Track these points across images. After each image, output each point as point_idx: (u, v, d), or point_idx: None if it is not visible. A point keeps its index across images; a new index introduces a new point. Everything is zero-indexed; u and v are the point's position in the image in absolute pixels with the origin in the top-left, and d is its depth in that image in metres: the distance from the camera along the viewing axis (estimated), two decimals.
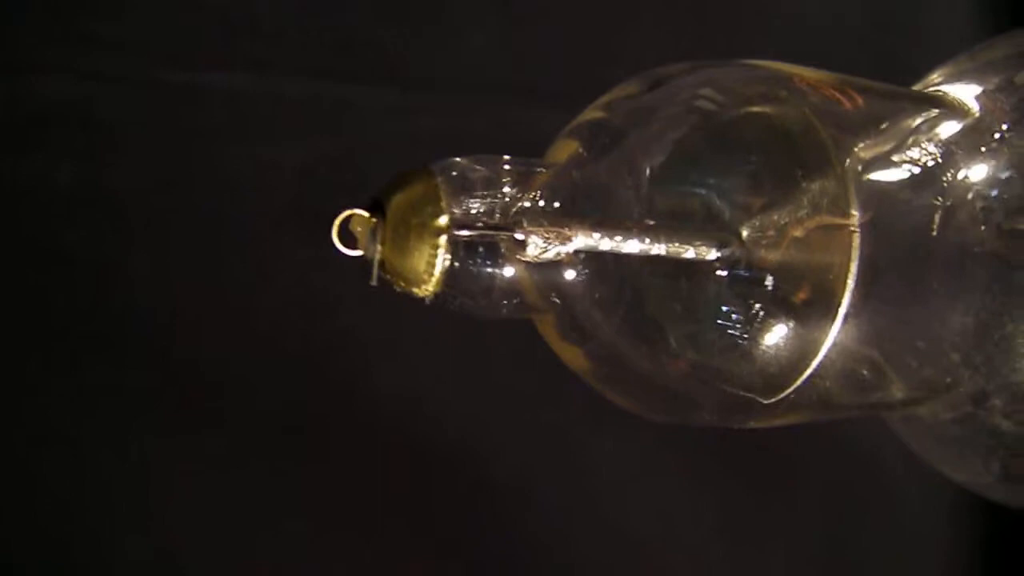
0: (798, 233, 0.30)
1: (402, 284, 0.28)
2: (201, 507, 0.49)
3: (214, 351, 0.48)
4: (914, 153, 0.33)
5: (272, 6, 0.49)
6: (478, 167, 0.28)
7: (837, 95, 0.31)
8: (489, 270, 0.28)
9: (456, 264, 0.28)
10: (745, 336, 0.30)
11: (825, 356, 0.30)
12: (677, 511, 0.52)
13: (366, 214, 0.27)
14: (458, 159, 0.28)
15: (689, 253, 0.30)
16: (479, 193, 0.28)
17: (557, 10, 0.50)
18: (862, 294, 0.30)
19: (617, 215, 0.29)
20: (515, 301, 0.29)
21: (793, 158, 0.30)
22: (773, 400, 0.30)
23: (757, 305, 0.30)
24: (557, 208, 0.29)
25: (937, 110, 0.35)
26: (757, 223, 0.30)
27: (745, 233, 0.30)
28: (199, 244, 0.48)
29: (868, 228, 0.30)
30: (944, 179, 0.33)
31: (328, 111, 0.49)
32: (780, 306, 0.30)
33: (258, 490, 0.49)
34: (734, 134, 0.30)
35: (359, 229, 0.27)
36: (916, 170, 0.33)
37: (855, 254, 0.29)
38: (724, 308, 0.30)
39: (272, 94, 0.48)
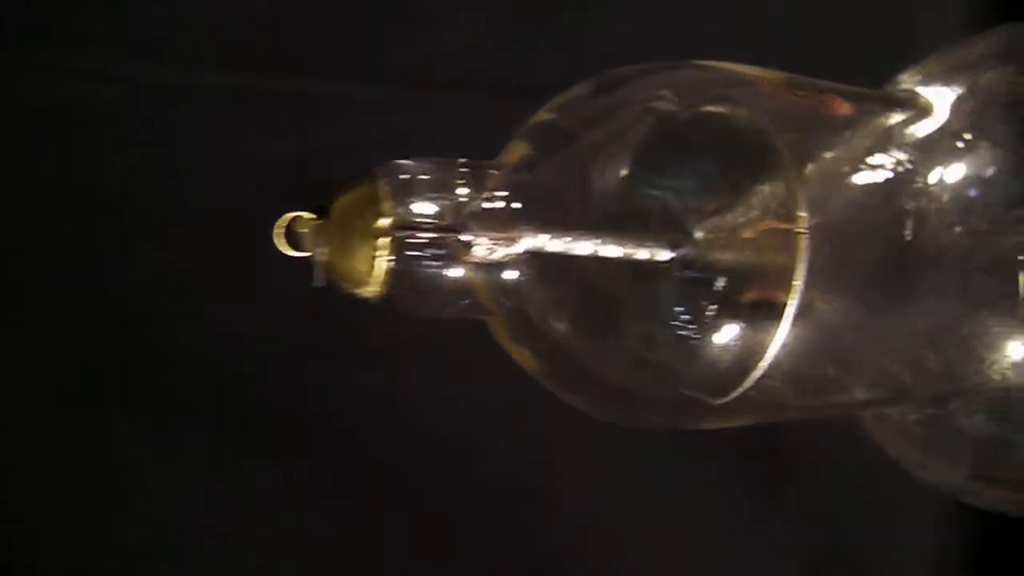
0: (748, 235, 0.30)
1: (347, 285, 0.28)
2: (199, 507, 0.49)
3: (210, 346, 0.49)
4: (871, 156, 0.33)
5: (261, 4, 0.50)
6: (425, 169, 0.29)
7: (794, 96, 0.31)
8: (437, 271, 0.29)
9: (401, 265, 0.28)
10: (695, 336, 0.30)
11: (775, 358, 0.31)
12: (673, 510, 0.52)
13: (311, 216, 0.28)
14: (405, 161, 0.29)
15: (641, 254, 0.30)
16: (426, 195, 0.29)
17: (540, 5, 0.50)
18: (812, 297, 0.30)
19: (567, 216, 0.30)
20: (465, 302, 0.30)
21: (743, 160, 0.30)
22: (724, 400, 0.31)
23: (707, 306, 0.30)
24: (505, 210, 0.29)
25: (901, 113, 0.35)
26: (708, 224, 0.31)
27: (697, 234, 0.30)
28: (194, 240, 0.49)
29: (819, 231, 0.30)
30: (903, 183, 0.33)
31: (317, 108, 0.49)
32: (729, 307, 0.30)
33: (254, 490, 0.50)
34: (686, 136, 0.31)
35: (304, 231, 0.28)
36: (872, 173, 0.33)
37: (802, 257, 0.29)
38: (675, 308, 0.31)
39: (261, 92, 0.49)
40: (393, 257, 0.28)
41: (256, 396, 0.50)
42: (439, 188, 0.29)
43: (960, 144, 0.34)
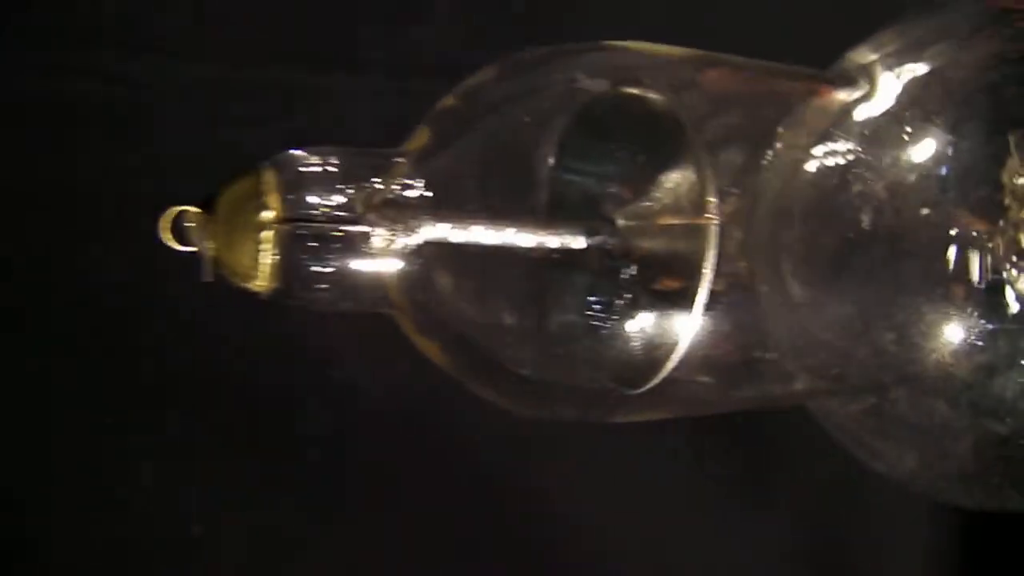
0: (660, 222, 0.30)
1: (235, 280, 0.28)
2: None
3: (190, 340, 0.49)
4: (806, 137, 0.32)
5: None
6: (316, 160, 0.28)
7: (713, 76, 0.31)
8: (331, 265, 0.28)
9: (287, 259, 0.28)
10: (607, 326, 0.30)
11: (691, 347, 0.30)
12: (661, 506, 0.51)
13: (196, 210, 0.27)
14: (296, 152, 0.28)
15: (551, 242, 0.30)
16: (320, 186, 0.28)
17: None
18: (729, 286, 0.30)
19: (469, 204, 0.29)
20: (368, 295, 0.29)
21: (654, 145, 0.30)
22: (640, 391, 0.30)
23: (620, 294, 0.30)
24: (405, 199, 0.29)
25: (845, 93, 0.34)
26: (620, 212, 0.30)
27: (609, 222, 0.30)
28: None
29: (736, 218, 0.30)
30: (839, 165, 0.32)
31: (293, 97, 0.49)
32: (643, 296, 0.30)
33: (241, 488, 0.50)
34: (595, 120, 0.30)
35: (191, 225, 0.27)
36: (809, 155, 0.32)
37: (712, 244, 0.29)
38: (587, 297, 0.30)
39: (235, 82, 0.49)
40: (277, 251, 0.27)
41: (241, 392, 0.50)
42: (336, 178, 0.28)
43: (898, 126, 0.33)
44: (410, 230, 0.29)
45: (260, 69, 0.49)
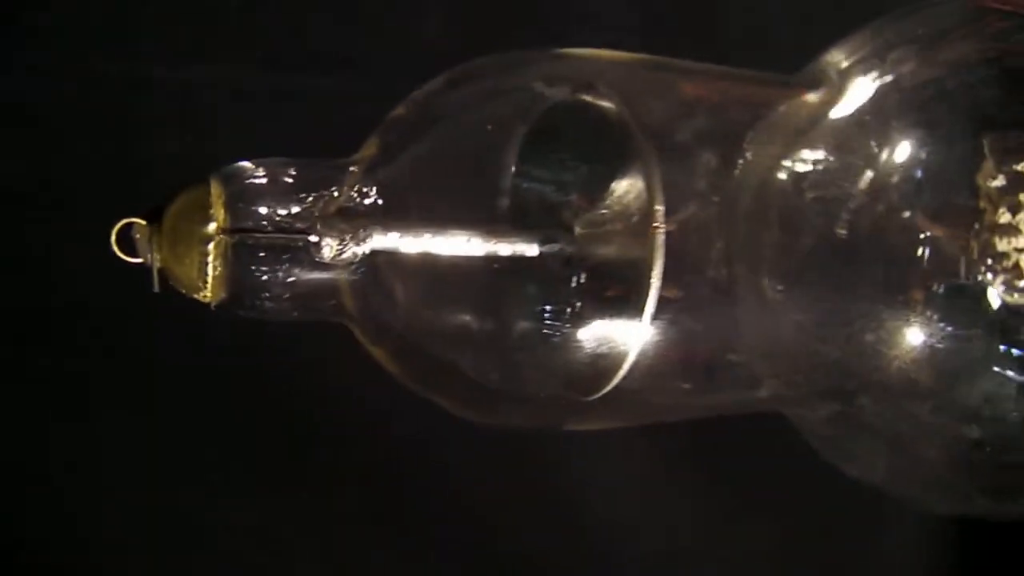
0: (610, 230, 0.30)
1: (183, 291, 0.29)
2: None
3: (167, 345, 0.50)
4: (763, 142, 0.33)
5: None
6: (264, 171, 0.29)
7: (664, 81, 0.31)
8: (279, 275, 0.29)
9: (234, 270, 0.28)
10: (561, 333, 0.30)
11: (645, 355, 0.30)
12: (650, 506, 0.52)
13: (143, 222, 0.28)
14: (245, 163, 0.29)
15: (505, 250, 0.30)
16: (269, 197, 0.29)
17: None
18: (686, 292, 0.30)
19: (417, 212, 0.30)
20: (319, 305, 0.30)
21: (604, 153, 0.30)
22: (593, 398, 0.30)
23: (574, 302, 0.30)
24: (355, 208, 0.30)
25: (812, 96, 0.34)
26: (572, 219, 0.30)
27: (561, 230, 0.30)
28: None
29: (686, 225, 0.30)
30: (798, 171, 0.33)
31: (276, 101, 0.50)
32: (595, 303, 0.30)
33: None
34: (548, 129, 0.31)
35: (138, 236, 0.28)
36: (766, 161, 0.32)
37: (659, 253, 0.29)
38: (541, 304, 0.30)
39: (215, 84, 0.49)
40: (221, 262, 0.28)
41: (241, 392, 0.50)
42: (286, 188, 0.29)
43: (871, 130, 0.33)
44: (359, 239, 0.29)
45: (248, 71, 0.50)
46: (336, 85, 0.50)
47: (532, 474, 0.50)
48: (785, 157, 0.33)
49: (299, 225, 0.29)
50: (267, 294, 0.29)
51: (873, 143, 0.33)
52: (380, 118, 0.49)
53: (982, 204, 0.32)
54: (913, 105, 0.33)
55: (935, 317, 0.32)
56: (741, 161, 0.32)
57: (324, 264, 0.30)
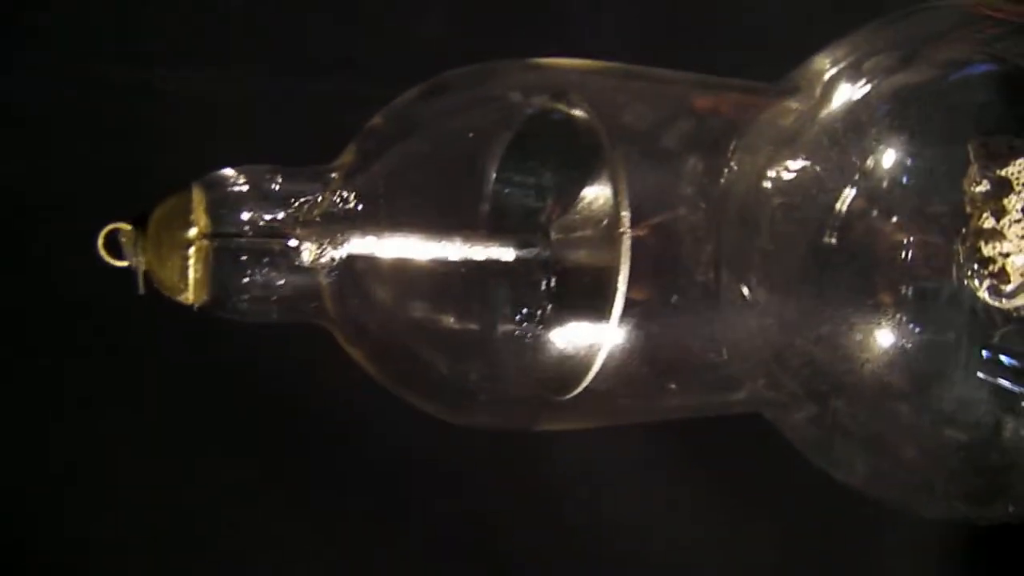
0: (580, 235, 0.32)
1: (167, 294, 0.30)
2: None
3: (168, 345, 0.51)
4: (737, 149, 0.34)
5: (236, 3, 0.52)
6: (247, 178, 0.31)
7: (636, 90, 0.32)
8: (259, 279, 0.31)
9: (215, 274, 0.30)
10: (533, 335, 0.32)
11: (615, 357, 0.32)
12: (661, 516, 0.53)
13: (127, 227, 0.30)
14: (227, 170, 0.31)
15: (480, 254, 0.32)
16: (250, 203, 0.31)
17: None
18: (653, 296, 0.32)
19: (398, 218, 0.31)
20: (299, 308, 0.32)
21: (575, 161, 0.32)
22: (565, 398, 0.32)
23: (546, 305, 0.32)
24: (333, 214, 0.31)
25: (791, 103, 0.35)
26: (545, 225, 0.32)
27: (532, 234, 0.32)
28: None
29: (658, 230, 0.31)
30: (767, 177, 0.34)
31: (276, 102, 0.51)
32: (566, 305, 0.32)
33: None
34: (522, 137, 0.32)
35: (124, 240, 0.30)
36: (753, 170, 0.33)
37: (625, 258, 0.30)
38: (515, 306, 0.32)
39: (216, 85, 0.51)
40: (201, 266, 0.30)
41: (241, 393, 0.51)
42: (267, 194, 0.31)
43: (857, 136, 0.34)
44: (337, 243, 0.31)
45: (257, 72, 0.51)
46: (337, 87, 0.50)
47: (532, 474, 0.51)
48: (769, 164, 0.34)
49: (277, 230, 0.31)
50: (248, 296, 0.31)
51: (859, 149, 0.33)
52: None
53: (968, 209, 0.33)
54: (899, 110, 0.34)
55: (918, 321, 0.33)
56: (725, 169, 0.33)
57: (304, 268, 0.31)
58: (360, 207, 0.31)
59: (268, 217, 0.31)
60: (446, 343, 0.32)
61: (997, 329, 0.33)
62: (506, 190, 0.32)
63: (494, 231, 0.32)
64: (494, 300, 0.32)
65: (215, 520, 0.51)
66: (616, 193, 0.31)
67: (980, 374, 0.33)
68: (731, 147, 0.34)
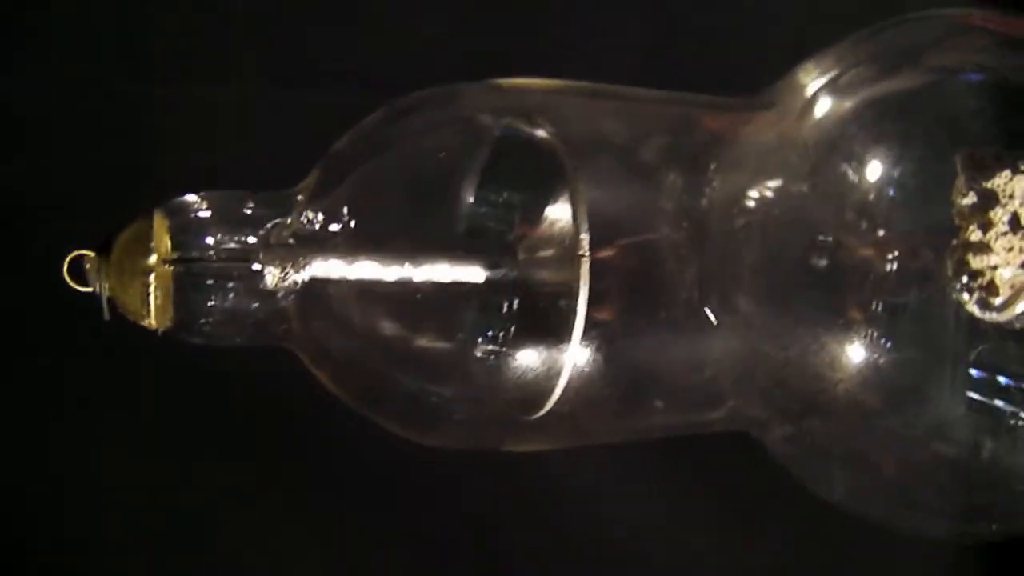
0: (546, 256, 0.32)
1: (131, 319, 0.32)
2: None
3: (167, 346, 0.52)
4: (701, 166, 0.34)
5: (226, 13, 0.52)
6: (209, 204, 0.32)
7: (601, 108, 0.33)
8: (222, 303, 0.32)
9: (177, 299, 0.31)
10: (498, 356, 0.33)
11: (578, 377, 0.33)
12: (663, 523, 0.53)
13: (91, 253, 0.31)
14: (190, 197, 0.32)
15: (449, 275, 0.33)
16: (212, 228, 0.32)
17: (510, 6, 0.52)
18: (614, 318, 0.32)
19: (362, 240, 0.32)
20: (263, 331, 0.33)
21: (540, 181, 0.32)
22: (531, 418, 0.33)
23: (510, 325, 0.33)
24: (296, 237, 0.32)
25: (772, 118, 0.36)
26: (508, 246, 0.33)
27: (494, 256, 0.33)
28: None
29: (624, 252, 0.32)
30: (732, 194, 0.34)
31: (277, 109, 0.52)
32: (531, 326, 0.32)
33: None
34: (486, 157, 0.33)
35: (88, 267, 0.31)
36: (735, 186, 0.34)
37: (584, 279, 0.31)
38: (480, 327, 0.33)
39: (216, 87, 0.51)
40: (161, 292, 0.31)
41: (241, 392, 0.52)
42: (228, 219, 0.32)
43: (843, 148, 0.34)
44: (300, 267, 0.32)
45: (257, 73, 0.51)
46: (338, 95, 0.50)
47: (529, 477, 0.52)
48: (752, 181, 0.34)
49: (240, 254, 0.32)
50: (212, 321, 0.32)
51: (845, 162, 0.34)
52: None
53: (956, 221, 0.33)
54: (885, 121, 0.34)
55: (902, 338, 0.33)
56: (705, 187, 0.34)
57: (268, 292, 0.32)
58: (323, 230, 0.32)
59: (231, 242, 0.32)
60: (411, 365, 0.33)
61: (984, 344, 0.34)
62: (471, 212, 0.33)
63: (460, 252, 0.32)
64: (459, 321, 0.33)
65: (212, 522, 0.52)
66: (576, 215, 0.32)
67: (966, 391, 0.34)
68: (711, 164, 0.34)
